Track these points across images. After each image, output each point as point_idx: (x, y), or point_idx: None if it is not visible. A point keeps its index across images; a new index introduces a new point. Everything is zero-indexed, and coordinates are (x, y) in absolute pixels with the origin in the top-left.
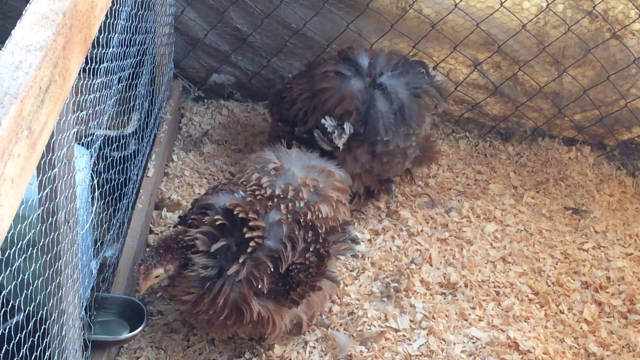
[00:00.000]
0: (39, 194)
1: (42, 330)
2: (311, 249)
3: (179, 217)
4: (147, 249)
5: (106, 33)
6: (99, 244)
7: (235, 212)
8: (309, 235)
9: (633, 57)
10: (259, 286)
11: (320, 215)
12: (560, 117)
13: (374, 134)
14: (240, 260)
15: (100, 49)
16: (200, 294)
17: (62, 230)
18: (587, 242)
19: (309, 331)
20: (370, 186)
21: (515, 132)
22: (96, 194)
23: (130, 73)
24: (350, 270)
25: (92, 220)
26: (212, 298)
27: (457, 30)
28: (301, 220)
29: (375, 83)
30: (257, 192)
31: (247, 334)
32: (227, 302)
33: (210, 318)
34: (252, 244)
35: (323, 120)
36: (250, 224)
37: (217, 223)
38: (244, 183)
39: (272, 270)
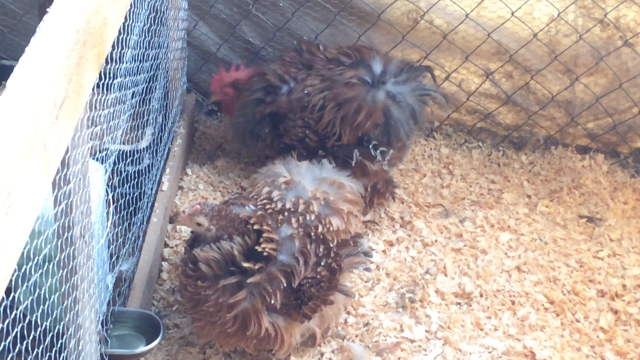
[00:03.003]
0: (54, 210)
1: (59, 345)
2: (323, 263)
3: (192, 231)
4: (214, 203)
5: (119, 49)
6: (114, 258)
7: (251, 222)
8: (321, 249)
9: None
10: (272, 302)
11: (331, 228)
12: (573, 125)
13: (396, 141)
14: (256, 267)
15: (114, 64)
16: (216, 277)
17: (77, 245)
18: (602, 250)
19: (324, 342)
20: (377, 183)
21: (528, 141)
22: (111, 208)
23: (143, 88)
24: (365, 281)
25: (108, 234)
26: (223, 289)
27: (468, 40)
28: (312, 233)
29: (385, 92)
30: (267, 206)
31: (251, 348)
32: (238, 307)
33: (213, 315)
34: (265, 253)
35: (370, 147)
36: (265, 235)
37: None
38: (255, 197)
39: (285, 285)
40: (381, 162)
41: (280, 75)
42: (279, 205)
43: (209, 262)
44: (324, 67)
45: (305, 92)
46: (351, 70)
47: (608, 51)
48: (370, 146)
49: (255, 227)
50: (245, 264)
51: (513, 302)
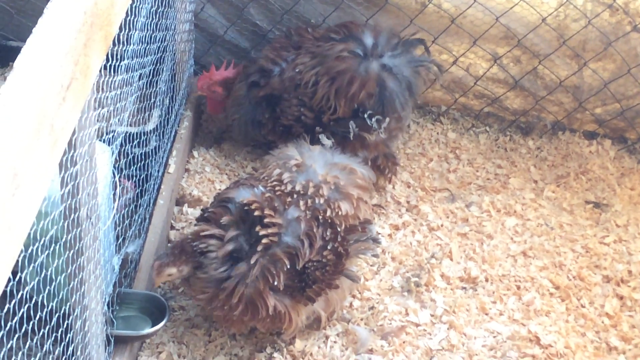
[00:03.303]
0: (61, 191)
1: (65, 325)
2: (329, 247)
3: (202, 210)
4: (168, 245)
5: (127, 30)
6: (120, 240)
7: (252, 207)
8: (328, 233)
9: None
10: (275, 282)
11: (339, 213)
12: (580, 110)
13: (391, 112)
14: (252, 261)
15: (121, 46)
16: (215, 293)
17: (84, 226)
18: (608, 235)
19: (329, 326)
20: (377, 157)
21: (536, 126)
22: (117, 190)
23: (150, 70)
24: (371, 265)
25: (114, 216)
26: (226, 296)
27: (476, 24)
28: (320, 217)
29: (381, 64)
30: (277, 188)
31: (266, 328)
32: (242, 299)
33: (226, 314)
34: (264, 241)
35: (365, 116)
36: (265, 220)
37: (228, 222)
38: (265, 178)
39: (289, 266)
40: (378, 130)
41: (272, 58)
42: (289, 187)
43: (208, 286)
44: (313, 45)
45: (297, 70)
46: (341, 44)
47: (617, 36)
48: (366, 115)
49: (256, 213)
50: (221, 270)
51: (518, 287)
